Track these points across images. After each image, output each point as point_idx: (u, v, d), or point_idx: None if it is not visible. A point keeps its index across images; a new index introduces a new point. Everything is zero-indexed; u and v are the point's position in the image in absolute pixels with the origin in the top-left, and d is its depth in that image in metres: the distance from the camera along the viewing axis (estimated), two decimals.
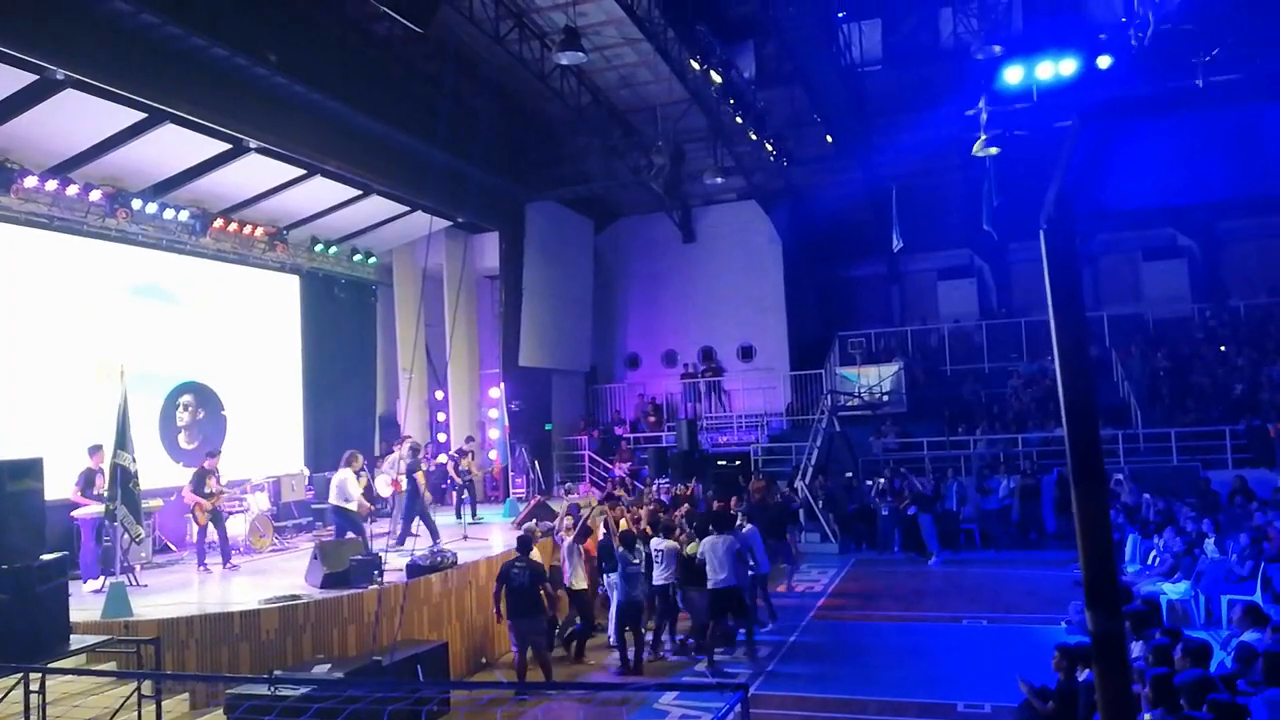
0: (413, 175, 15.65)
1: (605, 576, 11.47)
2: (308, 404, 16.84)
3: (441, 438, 19.93)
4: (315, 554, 10.55)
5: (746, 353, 23.83)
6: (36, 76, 10.37)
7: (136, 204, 13.16)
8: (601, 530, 11.60)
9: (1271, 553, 10.74)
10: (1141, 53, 14.55)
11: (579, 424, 23.22)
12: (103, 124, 11.76)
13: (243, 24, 11.95)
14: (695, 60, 15.51)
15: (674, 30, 15.28)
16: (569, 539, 11.40)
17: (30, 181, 11.75)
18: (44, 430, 11.52)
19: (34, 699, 6.18)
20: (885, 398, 21.56)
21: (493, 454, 18.41)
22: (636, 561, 10.96)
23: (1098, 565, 2.39)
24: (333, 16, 14.24)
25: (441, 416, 20.36)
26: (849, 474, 19.39)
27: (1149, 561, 12.55)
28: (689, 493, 15.75)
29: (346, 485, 12.38)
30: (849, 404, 21.35)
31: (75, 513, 10.82)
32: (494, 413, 19.22)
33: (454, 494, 16.16)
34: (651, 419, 23.20)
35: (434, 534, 13.08)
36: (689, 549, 11.35)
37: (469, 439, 17.76)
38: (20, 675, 6.12)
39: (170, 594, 10.19)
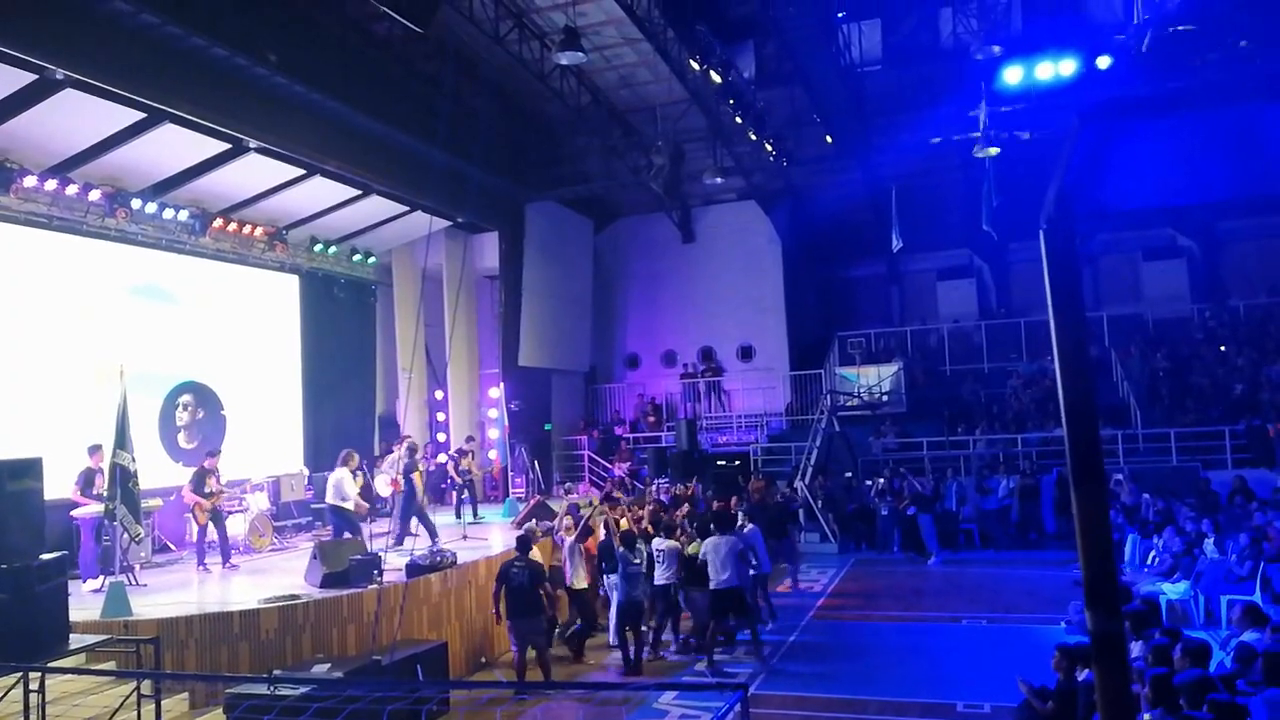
0: (412, 175, 15.65)
1: (605, 577, 11.47)
2: (307, 404, 16.84)
3: (441, 437, 19.93)
4: (315, 554, 10.55)
5: (746, 353, 23.83)
6: (36, 76, 10.37)
7: (136, 204, 13.16)
8: (602, 531, 11.60)
9: (1271, 553, 10.75)
10: (1141, 53, 14.56)
11: (578, 424, 23.22)
12: (102, 124, 11.76)
13: (242, 24, 11.95)
14: (695, 60, 15.52)
15: (674, 30, 15.29)
16: (570, 539, 11.40)
17: (30, 181, 11.75)
18: (43, 430, 11.52)
19: (33, 698, 6.18)
20: (885, 398, 21.56)
21: (492, 454, 18.41)
22: (637, 561, 10.97)
23: (1097, 565, 2.39)
24: (333, 16, 14.24)
25: (441, 416, 20.35)
26: (848, 474, 19.40)
27: (1148, 562, 12.55)
28: (689, 493, 15.75)
29: (343, 485, 12.38)
30: (848, 404, 21.35)
31: (75, 512, 10.82)
32: (494, 413, 19.22)
33: (454, 494, 16.17)
34: (651, 419, 23.20)
35: (432, 533, 13.09)
36: (690, 549, 11.34)
37: (469, 439, 17.77)
38: (20, 674, 6.12)
39: (170, 593, 10.19)
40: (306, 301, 17.00)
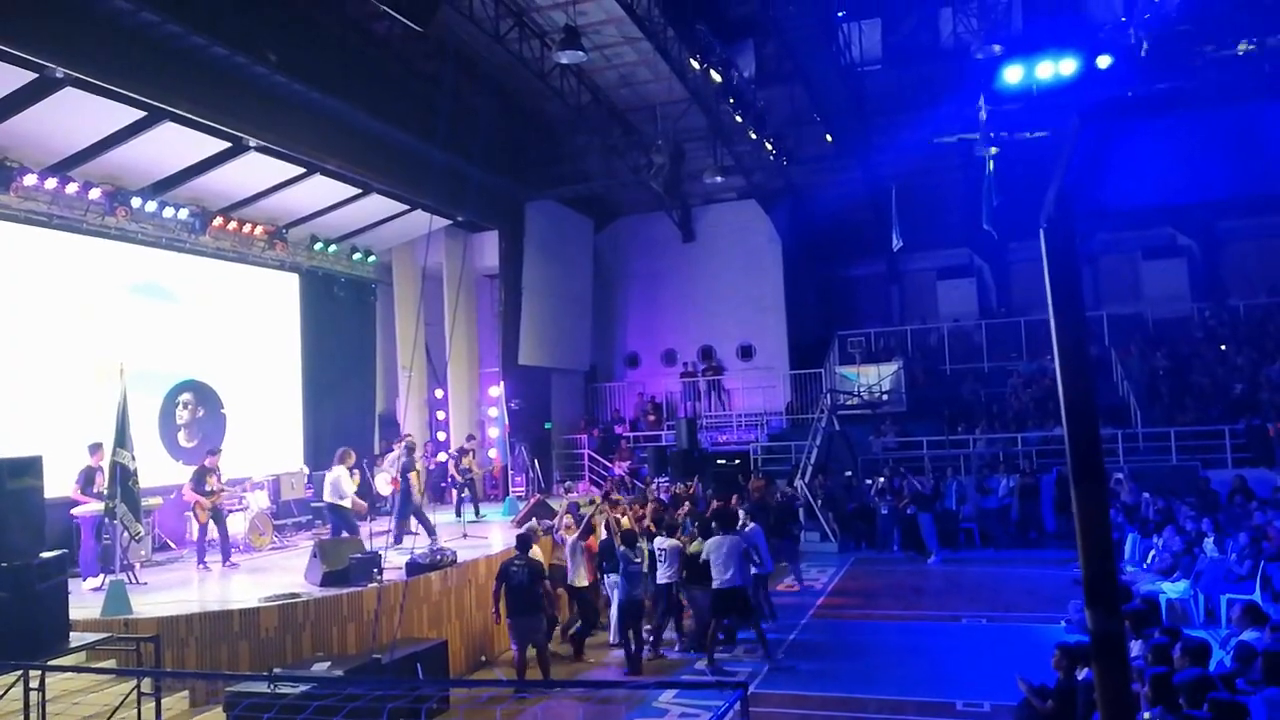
0: (412, 174, 15.64)
1: (605, 576, 11.47)
2: (307, 402, 16.84)
3: (441, 436, 19.94)
4: (315, 552, 10.55)
5: (746, 352, 23.84)
6: (36, 75, 10.37)
7: (136, 202, 13.16)
8: (603, 530, 11.60)
9: (1271, 552, 10.75)
10: (1141, 52, 14.55)
11: (579, 423, 23.22)
12: (102, 122, 11.76)
13: (242, 23, 11.95)
14: (695, 59, 15.51)
15: (674, 29, 15.28)
16: (572, 537, 11.40)
17: (30, 179, 11.75)
18: (44, 428, 11.52)
19: (34, 696, 6.19)
20: (885, 397, 21.57)
21: (492, 453, 18.41)
22: (638, 560, 10.97)
23: (1097, 564, 2.39)
24: (332, 15, 14.23)
25: (441, 415, 20.36)
26: (848, 473, 19.40)
27: (1148, 560, 12.56)
28: (689, 492, 15.76)
29: (340, 483, 12.39)
30: (848, 403, 21.35)
31: (75, 510, 10.82)
32: (494, 411, 19.22)
33: (454, 492, 16.19)
34: (651, 418, 23.20)
35: (429, 531, 13.12)
36: (692, 547, 11.35)
37: (470, 437, 17.77)
38: (20, 672, 6.13)
39: (170, 592, 10.20)
40: (306, 300, 17.00)
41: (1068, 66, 15.09)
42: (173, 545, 13.12)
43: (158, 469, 13.05)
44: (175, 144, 12.63)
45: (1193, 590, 11.15)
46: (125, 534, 10.01)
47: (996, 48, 15.92)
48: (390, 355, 19.62)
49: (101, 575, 10.30)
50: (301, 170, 14.47)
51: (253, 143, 13.16)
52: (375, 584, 10.03)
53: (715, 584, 10.49)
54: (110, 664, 7.79)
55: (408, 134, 15.05)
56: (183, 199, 14.04)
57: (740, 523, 11.77)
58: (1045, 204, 2.46)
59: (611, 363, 24.86)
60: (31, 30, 9.81)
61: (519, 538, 10.55)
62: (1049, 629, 10.68)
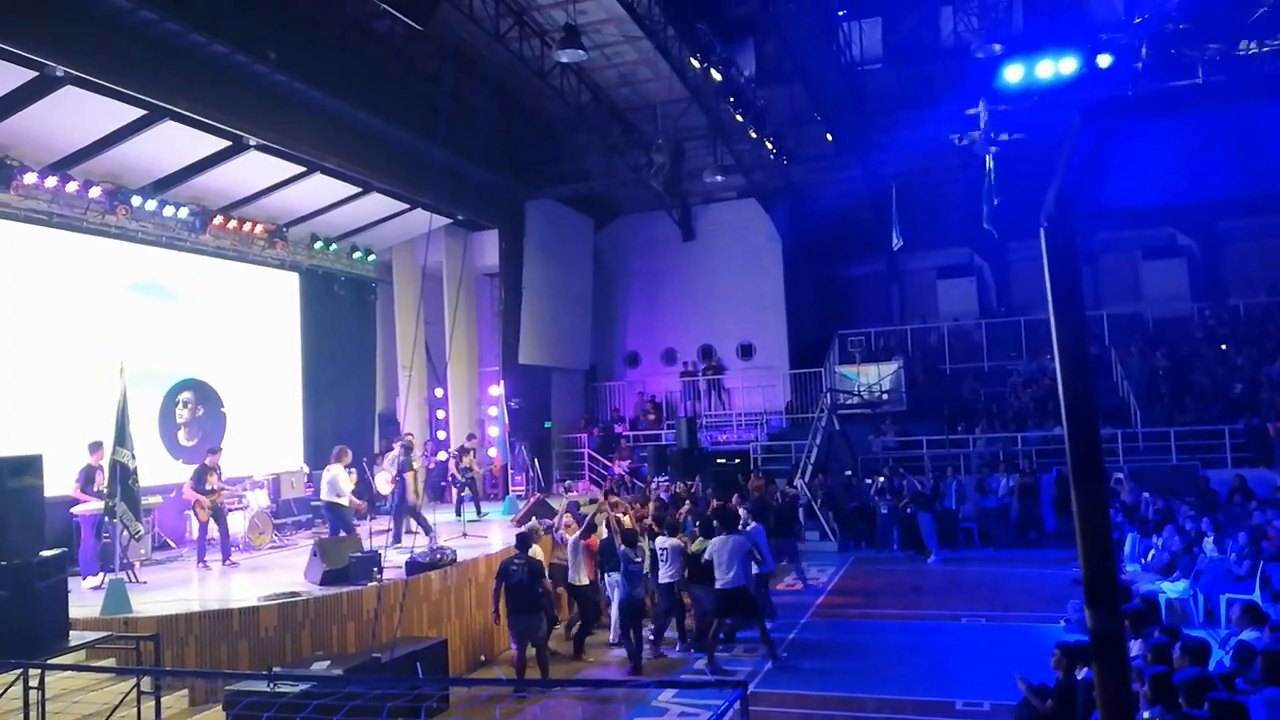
0: (412, 173, 15.64)
1: (606, 576, 11.47)
2: (307, 401, 16.84)
3: (441, 435, 19.94)
4: (314, 551, 10.55)
5: (746, 351, 23.83)
6: (36, 73, 10.38)
7: (136, 201, 13.16)
8: (604, 529, 11.60)
9: (1270, 552, 10.75)
10: (1141, 52, 14.54)
11: (579, 422, 23.22)
12: (102, 121, 11.76)
13: (242, 21, 11.95)
14: (695, 58, 15.51)
15: (674, 28, 15.28)
16: (573, 536, 11.39)
17: (30, 178, 11.75)
18: (44, 427, 11.52)
19: (33, 695, 6.20)
20: (885, 396, 21.58)
21: (492, 452, 18.42)
22: (638, 560, 10.97)
23: (1097, 564, 2.39)
24: (332, 14, 14.23)
25: (441, 414, 20.36)
26: (848, 472, 19.40)
27: (1148, 557, 12.56)
28: (691, 491, 15.77)
29: (338, 481, 12.40)
30: (848, 402, 21.35)
31: (75, 509, 10.82)
32: (494, 410, 19.21)
33: (454, 491, 16.19)
34: (651, 417, 23.20)
35: (426, 529, 13.14)
36: (694, 546, 11.35)
37: (470, 436, 17.77)
38: (20, 671, 6.13)
39: (169, 590, 10.20)
40: (306, 299, 17.00)
41: (1068, 65, 15.08)
42: (172, 544, 13.11)
43: (157, 468, 13.05)
44: (175, 142, 12.64)
45: (1192, 590, 11.15)
46: (125, 533, 10.01)
47: (997, 47, 15.91)
48: (390, 354, 19.62)
49: (101, 574, 10.30)
50: (301, 169, 14.47)
51: (253, 141, 13.16)
52: (375, 583, 10.03)
53: (718, 584, 10.48)
54: (110, 663, 7.79)
55: (408, 133, 15.05)
56: (183, 198, 14.04)
57: (742, 522, 11.78)
58: (1045, 203, 2.46)
59: (611, 362, 24.87)
60: (31, 29, 9.81)
61: (519, 537, 10.55)
62: (1048, 628, 10.69)
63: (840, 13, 18.24)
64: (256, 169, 14.01)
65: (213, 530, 12.00)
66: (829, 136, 19.75)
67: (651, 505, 13.14)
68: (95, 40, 10.49)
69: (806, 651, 11.08)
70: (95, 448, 10.87)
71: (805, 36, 16.28)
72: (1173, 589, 11.19)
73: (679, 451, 18.49)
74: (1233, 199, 20.43)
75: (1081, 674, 6.56)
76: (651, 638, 11.25)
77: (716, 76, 15.84)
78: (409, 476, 13.62)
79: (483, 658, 11.33)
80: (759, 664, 10.51)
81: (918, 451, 19.69)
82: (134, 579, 10.25)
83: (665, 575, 11.23)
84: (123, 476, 9.82)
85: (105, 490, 10.08)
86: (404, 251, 19.29)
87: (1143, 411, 18.78)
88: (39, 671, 6.23)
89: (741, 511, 12.59)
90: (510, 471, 18.55)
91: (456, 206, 17.19)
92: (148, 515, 11.65)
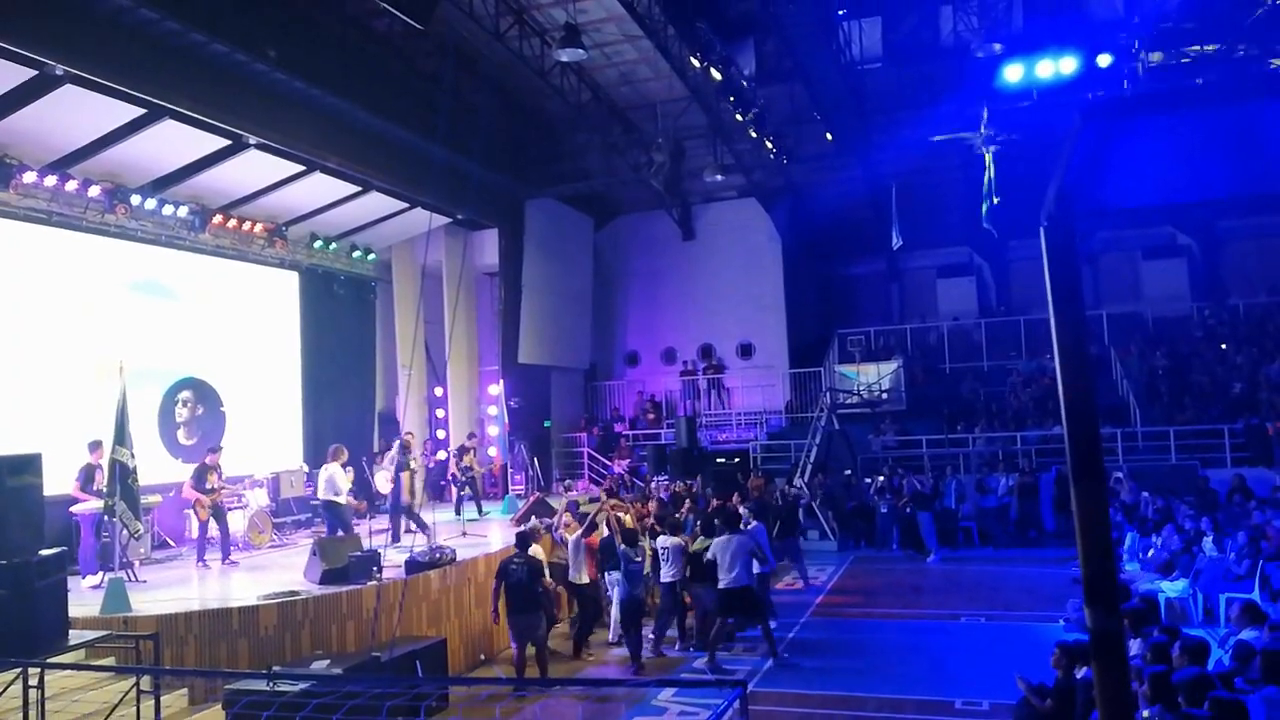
0: (412, 172, 15.64)
1: (606, 575, 11.48)
2: (307, 400, 16.84)
3: (441, 434, 19.94)
4: (314, 550, 10.55)
5: (746, 350, 23.83)
6: (36, 72, 10.37)
7: (136, 200, 13.15)
8: (605, 528, 11.60)
9: (1269, 551, 10.75)
10: (1141, 51, 14.55)
11: (578, 421, 23.22)
12: (102, 119, 11.75)
13: (242, 20, 11.95)
14: (695, 57, 15.50)
15: (674, 27, 15.27)
16: (576, 534, 11.39)
17: (29, 177, 11.74)
18: (43, 425, 11.52)
19: (33, 694, 6.20)
20: (884, 395, 21.58)
21: (492, 451, 18.42)
22: (639, 559, 10.97)
23: (1097, 563, 2.39)
24: (332, 13, 14.22)
25: (441, 413, 20.36)
26: (848, 471, 19.40)
27: (1146, 556, 12.56)
28: (692, 490, 15.77)
29: (335, 479, 12.40)
30: (848, 402, 21.35)
31: (74, 508, 10.82)
32: (493, 410, 19.21)
33: (454, 490, 16.19)
34: (651, 416, 23.20)
35: (422, 527, 13.15)
36: (695, 546, 11.35)
37: (471, 435, 17.77)
38: (19, 670, 6.12)
39: (169, 589, 10.20)
40: (306, 298, 17.00)
41: (1068, 65, 15.07)
42: (172, 543, 13.12)
43: (157, 467, 13.05)
44: (175, 141, 12.63)
45: (1191, 589, 11.15)
46: (124, 532, 10.01)
47: (997, 46, 15.90)
48: (390, 353, 19.61)
49: (101, 573, 10.29)
50: (301, 168, 14.46)
51: (252, 140, 13.15)
52: (374, 582, 10.03)
53: (722, 584, 10.48)
54: (109, 661, 7.79)
55: (408, 132, 15.05)
56: (182, 196, 14.03)
57: (743, 521, 11.78)
58: (1046, 202, 2.46)
59: (611, 361, 24.86)
60: (31, 27, 9.80)
61: (518, 536, 10.55)
62: (1048, 628, 10.70)
63: (840, 12, 18.23)
64: (256, 168, 14.01)
65: (213, 529, 12.00)
66: (829, 136, 19.75)
67: (653, 505, 13.14)
68: (95, 39, 10.48)
69: (806, 650, 11.09)
70: (95, 446, 10.87)
71: (805, 36, 16.27)
72: (1172, 588, 11.20)
73: (678, 451, 18.48)
74: (1233, 198, 20.42)
75: (1081, 673, 6.55)
76: (652, 637, 11.25)
77: (716, 76, 15.83)
78: (404, 476, 13.62)
79: (482, 657, 11.33)
80: (759, 663, 10.52)
81: (917, 451, 19.69)
82: (133, 578, 10.25)
83: (667, 574, 11.23)
84: (122, 475, 9.82)
85: (105, 489, 10.08)
86: (404, 250, 19.29)
87: (1142, 411, 18.79)
88: (38, 670, 6.23)
89: (743, 510, 12.61)
90: (510, 471, 18.55)
91: (456, 205, 17.19)
92: (147, 514, 11.65)
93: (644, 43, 16.20)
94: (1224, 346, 20.54)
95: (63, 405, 12.11)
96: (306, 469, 15.66)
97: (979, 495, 17.70)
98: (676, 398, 23.91)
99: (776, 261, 23.31)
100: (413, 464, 14.10)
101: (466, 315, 20.24)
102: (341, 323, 17.88)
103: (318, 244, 17.03)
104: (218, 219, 14.63)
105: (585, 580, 11.28)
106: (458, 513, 15.27)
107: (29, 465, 7.86)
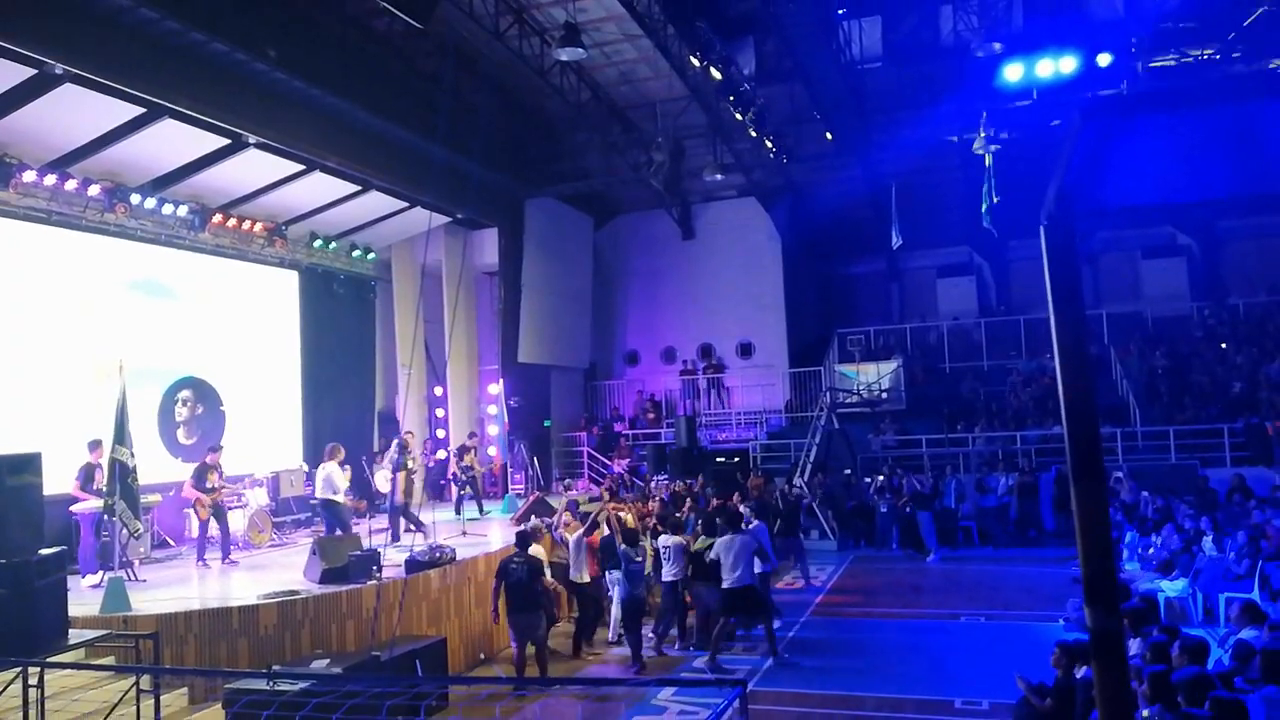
0: (412, 171, 15.63)
1: (607, 574, 11.48)
2: (307, 400, 16.83)
3: (440, 434, 19.94)
4: (314, 549, 10.55)
5: (746, 350, 23.83)
6: (35, 71, 10.36)
7: (135, 199, 13.14)
8: (605, 527, 11.60)
9: (1269, 550, 10.75)
10: (1142, 51, 14.55)
11: (578, 420, 23.22)
12: (101, 119, 11.75)
13: (242, 19, 11.94)
14: (695, 57, 15.50)
15: (674, 26, 15.27)
16: (577, 533, 11.39)
17: (29, 176, 11.73)
18: (43, 425, 11.51)
19: (33, 693, 6.19)
20: (884, 395, 21.58)
21: (492, 450, 18.43)
22: (639, 559, 10.97)
23: (1097, 563, 2.39)
24: (332, 12, 14.22)
25: (441, 413, 20.36)
26: (848, 471, 19.41)
27: (1146, 555, 12.56)
28: (692, 490, 15.77)
29: (333, 478, 12.41)
30: (848, 401, 21.35)
31: (74, 507, 10.81)
32: (493, 409, 19.21)
33: (454, 489, 16.19)
34: (650, 416, 23.20)
35: (419, 526, 13.14)
36: (696, 545, 11.36)
37: (471, 434, 17.78)
38: (19, 669, 6.12)
39: (169, 589, 10.20)
40: (306, 297, 16.99)
41: (1068, 64, 15.08)
42: (171, 542, 13.12)
43: (157, 466, 13.04)
44: (175, 140, 12.62)
45: (1191, 589, 11.15)
46: (124, 531, 10.01)
47: (997, 45, 15.91)
48: (390, 352, 19.61)
49: (100, 572, 10.29)
50: (301, 167, 14.45)
51: (252, 139, 13.15)
52: (374, 581, 10.03)
53: (725, 583, 10.48)
54: (109, 661, 7.78)
55: (407, 131, 15.04)
56: (182, 196, 14.03)
57: (745, 520, 11.78)
58: (1045, 202, 2.46)
59: (611, 360, 24.86)
60: (31, 27, 9.80)
61: (518, 535, 10.55)
62: (1048, 627, 10.70)
63: (840, 11, 18.23)
64: (256, 167, 14.00)
65: (213, 528, 11.99)
66: (829, 135, 19.75)
67: (654, 504, 13.15)
68: (95, 38, 10.48)
69: (806, 650, 11.09)
70: (94, 446, 10.87)
71: (805, 35, 16.27)
72: (1172, 588, 11.20)
73: (678, 450, 18.49)
74: (1233, 198, 20.44)
75: (1080, 672, 6.56)
76: (653, 636, 11.25)
77: (716, 75, 15.83)
78: (401, 476, 13.62)
79: (482, 656, 11.33)
80: (758, 662, 10.52)
81: (917, 450, 19.69)
82: (133, 577, 10.24)
83: (668, 574, 11.24)
84: (122, 474, 9.82)
85: (104, 488, 10.07)
86: (403, 250, 19.28)
87: (1142, 410, 18.79)
88: (38, 669, 6.23)
89: (744, 510, 12.61)
90: (510, 470, 18.55)
91: (456, 205, 17.18)
92: (147, 513, 11.65)
93: (644, 42, 16.19)
94: (1224, 346, 20.55)
95: (63, 405, 12.11)
96: (306, 468, 15.65)
97: (979, 495, 17.70)
98: (676, 397, 23.92)
99: (776, 261, 23.31)
100: (410, 463, 14.10)
101: (466, 315, 20.23)
102: (341, 322, 17.88)
103: (317, 243, 17.03)
104: (217, 218, 14.62)
105: (586, 579, 11.28)
106: (458, 512, 15.27)
107: (29, 464, 7.85)
